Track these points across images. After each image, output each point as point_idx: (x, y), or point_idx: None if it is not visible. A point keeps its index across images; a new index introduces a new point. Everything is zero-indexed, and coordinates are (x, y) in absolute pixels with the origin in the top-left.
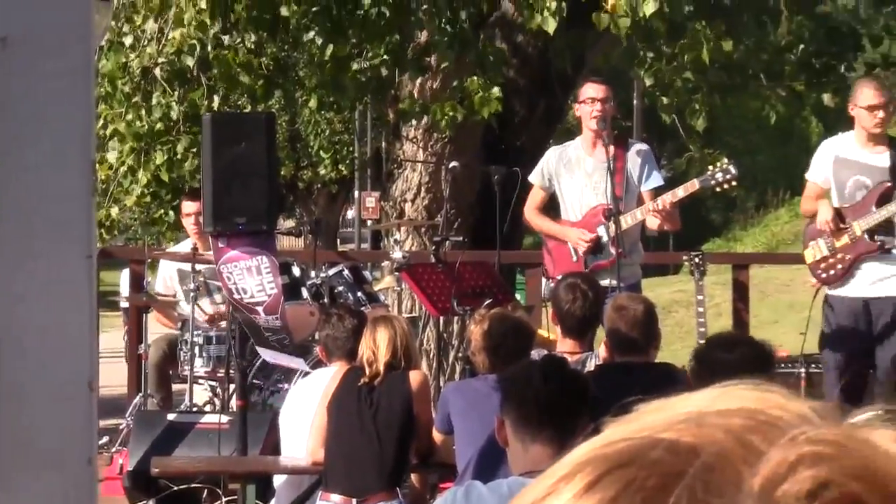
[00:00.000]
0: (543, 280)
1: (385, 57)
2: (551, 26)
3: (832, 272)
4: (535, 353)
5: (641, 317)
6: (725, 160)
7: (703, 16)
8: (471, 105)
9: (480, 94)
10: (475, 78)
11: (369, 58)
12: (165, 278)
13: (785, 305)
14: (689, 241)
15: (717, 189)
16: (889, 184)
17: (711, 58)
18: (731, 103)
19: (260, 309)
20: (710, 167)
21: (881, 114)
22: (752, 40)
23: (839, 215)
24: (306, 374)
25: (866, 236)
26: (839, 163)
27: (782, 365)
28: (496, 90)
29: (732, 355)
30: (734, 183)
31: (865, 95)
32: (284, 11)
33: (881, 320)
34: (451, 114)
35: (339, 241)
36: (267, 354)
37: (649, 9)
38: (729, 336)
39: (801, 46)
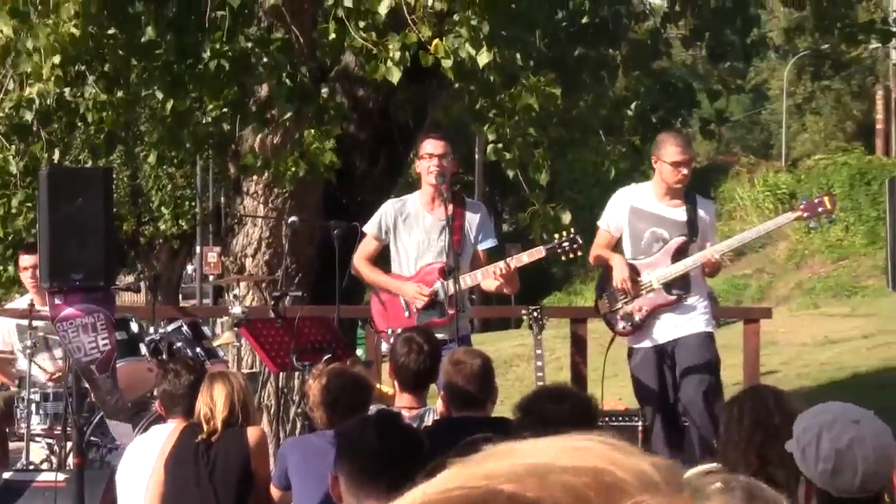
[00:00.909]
0: (375, 335)
1: (225, 110)
2: (395, 76)
3: (630, 324)
4: (374, 409)
5: (478, 371)
6: (573, 231)
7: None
8: (311, 159)
9: (315, 145)
10: (311, 131)
11: (210, 111)
12: (4, 334)
13: (623, 359)
14: (531, 295)
15: (563, 257)
16: (685, 238)
17: (541, 105)
18: (571, 158)
19: (93, 367)
20: (557, 235)
21: (685, 170)
22: (591, 96)
23: (633, 270)
24: (144, 430)
25: (663, 290)
26: (635, 213)
27: (620, 418)
28: (330, 142)
29: (560, 407)
30: (579, 252)
31: (670, 151)
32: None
33: (684, 361)
34: (293, 168)
35: (181, 296)
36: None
37: (483, 60)
38: (555, 388)
39: (638, 102)
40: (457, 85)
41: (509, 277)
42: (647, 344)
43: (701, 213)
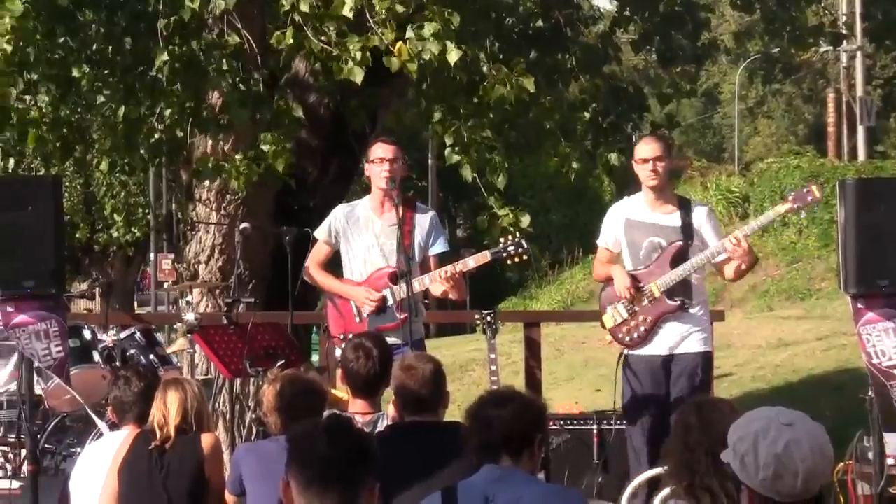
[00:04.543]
0: (328, 340)
1: (177, 117)
2: (358, 76)
3: (635, 335)
4: (327, 414)
5: (430, 376)
6: (519, 235)
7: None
8: (266, 162)
9: (274, 147)
10: (269, 134)
11: (164, 119)
12: None
13: (580, 363)
14: (486, 300)
15: (509, 261)
16: (681, 243)
17: (515, 97)
18: (526, 162)
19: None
20: (503, 239)
21: (650, 166)
22: (547, 99)
23: (634, 279)
24: (99, 437)
25: (665, 297)
26: (631, 225)
27: (575, 421)
28: (289, 144)
29: (504, 411)
30: (525, 257)
31: (639, 149)
32: (75, 73)
33: (680, 377)
34: (245, 172)
35: (136, 303)
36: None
37: (452, 57)
38: (501, 392)
39: (594, 106)
40: (411, 93)
41: (456, 282)
42: (646, 352)
43: (695, 215)
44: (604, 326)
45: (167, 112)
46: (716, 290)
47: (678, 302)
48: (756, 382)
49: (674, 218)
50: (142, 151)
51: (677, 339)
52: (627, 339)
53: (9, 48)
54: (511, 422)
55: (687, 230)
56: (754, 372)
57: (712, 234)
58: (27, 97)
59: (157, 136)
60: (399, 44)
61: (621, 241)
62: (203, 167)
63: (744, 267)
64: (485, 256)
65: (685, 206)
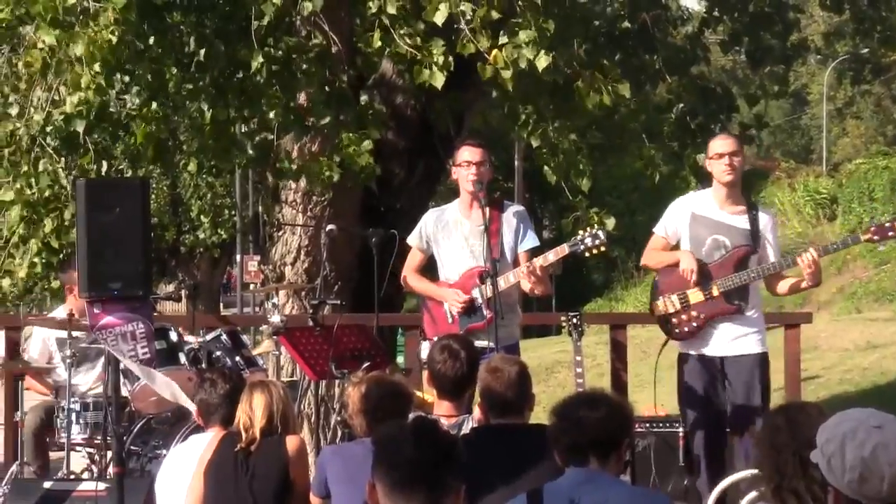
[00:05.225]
0: (421, 342)
1: (272, 117)
2: (439, 81)
3: (686, 328)
4: (413, 417)
5: (515, 378)
6: (597, 226)
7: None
8: (348, 162)
9: (352, 147)
10: (350, 134)
11: (262, 122)
12: (45, 342)
13: (666, 364)
14: (572, 302)
15: (587, 254)
16: (748, 247)
17: (612, 102)
18: (610, 164)
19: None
20: (581, 231)
21: (728, 161)
22: (632, 101)
23: (702, 266)
24: (185, 439)
25: (723, 298)
26: (697, 220)
27: (660, 424)
28: (367, 143)
29: (595, 413)
30: (603, 248)
31: (715, 145)
32: (167, 75)
33: (736, 379)
34: (327, 173)
35: (222, 305)
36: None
37: (542, 64)
38: (591, 394)
39: (680, 106)
40: (494, 94)
41: (538, 278)
42: (701, 350)
43: (762, 222)
44: (653, 313)
45: (270, 114)
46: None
47: (735, 305)
48: (843, 385)
49: (742, 220)
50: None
51: (732, 340)
52: (677, 330)
53: (114, 38)
54: (602, 424)
55: (755, 235)
56: (842, 375)
57: (774, 244)
58: (111, 102)
59: (255, 138)
60: (495, 52)
61: (683, 235)
62: (285, 167)
63: (804, 286)
64: (563, 249)
65: (753, 209)
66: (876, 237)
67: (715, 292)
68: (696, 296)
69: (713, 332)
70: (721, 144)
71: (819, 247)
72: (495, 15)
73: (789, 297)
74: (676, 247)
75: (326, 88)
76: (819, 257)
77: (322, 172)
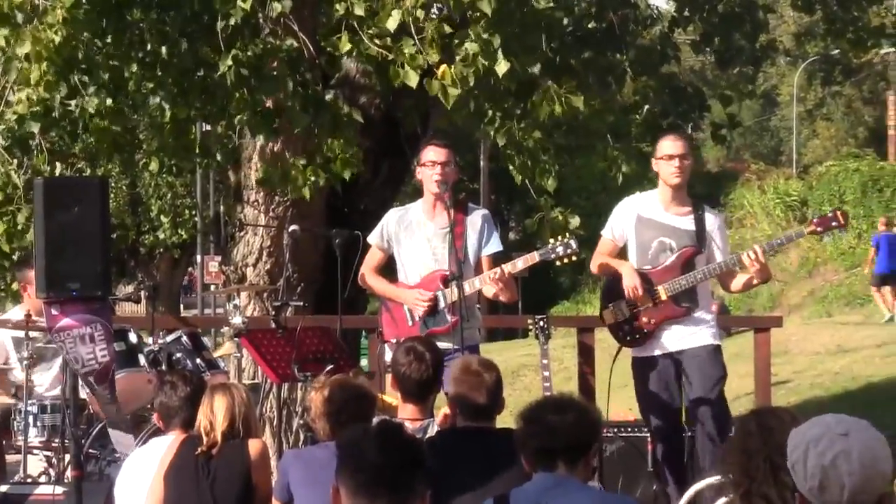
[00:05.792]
0: (381, 344)
1: (240, 118)
2: (413, 80)
3: (637, 335)
4: (377, 420)
5: (492, 384)
6: (568, 235)
7: (550, 75)
8: (337, 170)
9: (341, 155)
10: (335, 140)
11: (233, 125)
12: (2, 343)
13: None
14: (538, 305)
15: (558, 262)
16: (693, 248)
17: (564, 113)
18: (577, 164)
19: (92, 379)
20: (552, 240)
21: (677, 163)
22: (598, 101)
23: (644, 279)
24: (144, 442)
25: (672, 301)
26: (642, 222)
27: (630, 429)
28: (357, 150)
29: (565, 417)
30: (574, 258)
31: (664, 146)
32: (125, 73)
33: (694, 373)
34: (312, 178)
35: (182, 306)
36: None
37: (501, 69)
38: (559, 398)
39: (647, 107)
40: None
41: (505, 283)
42: (653, 352)
43: (709, 223)
44: (603, 321)
45: (237, 118)
46: (773, 295)
47: (684, 307)
48: (814, 390)
49: (687, 221)
50: (196, 154)
51: (682, 338)
52: (629, 338)
53: (57, 38)
54: (570, 429)
55: (700, 236)
56: (812, 379)
57: (721, 244)
58: (72, 102)
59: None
60: (443, 67)
61: (629, 236)
62: (268, 174)
63: (755, 282)
64: (533, 257)
65: (699, 209)
66: (819, 228)
67: (663, 296)
68: (644, 302)
69: (664, 333)
70: (670, 146)
71: (763, 244)
72: (448, 29)
73: (759, 301)
74: (624, 249)
75: (300, 91)
76: (764, 253)
77: (307, 179)
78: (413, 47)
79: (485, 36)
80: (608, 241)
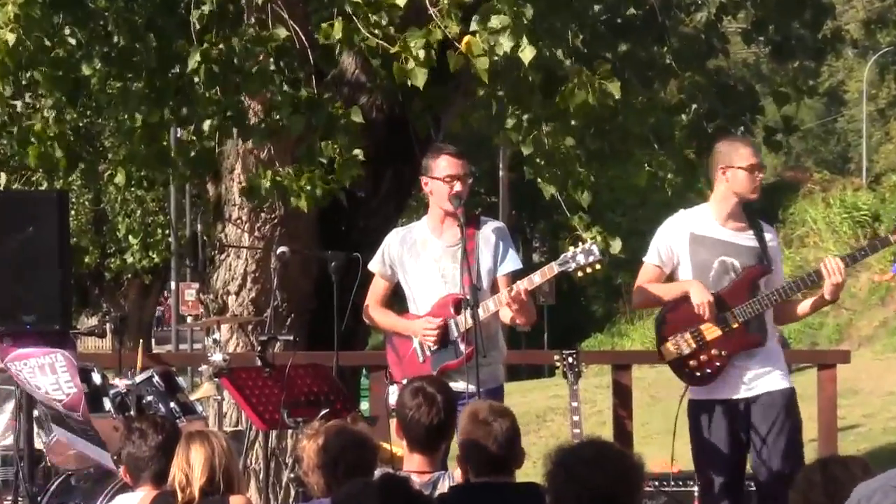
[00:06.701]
0: (388, 385)
1: (217, 120)
2: (420, 79)
3: (707, 370)
4: (379, 473)
5: (505, 432)
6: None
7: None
8: (336, 178)
9: (340, 159)
10: (331, 143)
11: (202, 130)
12: None
13: (672, 414)
14: (567, 338)
15: (580, 273)
16: (762, 266)
17: (599, 103)
18: (612, 174)
19: (58, 405)
20: (570, 248)
21: (761, 176)
22: (637, 100)
23: (717, 299)
24: (110, 500)
25: (744, 328)
26: (697, 241)
27: (673, 482)
28: (358, 152)
29: (605, 470)
30: (598, 266)
31: (743, 154)
32: (85, 70)
33: (763, 423)
34: (309, 188)
35: (154, 341)
36: (75, 440)
37: (527, 56)
38: (598, 445)
39: (694, 107)
40: (481, 92)
41: (520, 304)
42: (718, 395)
43: (768, 238)
44: (662, 357)
45: (206, 123)
46: (839, 325)
47: (758, 335)
48: (888, 435)
49: (748, 237)
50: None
51: (752, 380)
52: (697, 374)
53: (12, 38)
54: (608, 482)
55: (766, 254)
56: (885, 423)
57: (779, 263)
58: (17, 102)
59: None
60: (467, 37)
61: (682, 260)
62: (256, 183)
63: (828, 298)
64: (551, 269)
65: (756, 225)
66: None
67: (734, 324)
68: (711, 331)
69: (732, 372)
70: (753, 153)
71: (842, 255)
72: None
73: (824, 333)
74: (672, 276)
75: (289, 89)
76: (847, 265)
77: (303, 189)
78: (421, 39)
79: (514, 8)
80: (653, 268)
